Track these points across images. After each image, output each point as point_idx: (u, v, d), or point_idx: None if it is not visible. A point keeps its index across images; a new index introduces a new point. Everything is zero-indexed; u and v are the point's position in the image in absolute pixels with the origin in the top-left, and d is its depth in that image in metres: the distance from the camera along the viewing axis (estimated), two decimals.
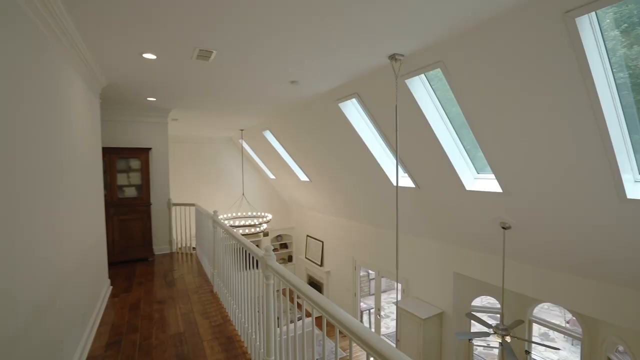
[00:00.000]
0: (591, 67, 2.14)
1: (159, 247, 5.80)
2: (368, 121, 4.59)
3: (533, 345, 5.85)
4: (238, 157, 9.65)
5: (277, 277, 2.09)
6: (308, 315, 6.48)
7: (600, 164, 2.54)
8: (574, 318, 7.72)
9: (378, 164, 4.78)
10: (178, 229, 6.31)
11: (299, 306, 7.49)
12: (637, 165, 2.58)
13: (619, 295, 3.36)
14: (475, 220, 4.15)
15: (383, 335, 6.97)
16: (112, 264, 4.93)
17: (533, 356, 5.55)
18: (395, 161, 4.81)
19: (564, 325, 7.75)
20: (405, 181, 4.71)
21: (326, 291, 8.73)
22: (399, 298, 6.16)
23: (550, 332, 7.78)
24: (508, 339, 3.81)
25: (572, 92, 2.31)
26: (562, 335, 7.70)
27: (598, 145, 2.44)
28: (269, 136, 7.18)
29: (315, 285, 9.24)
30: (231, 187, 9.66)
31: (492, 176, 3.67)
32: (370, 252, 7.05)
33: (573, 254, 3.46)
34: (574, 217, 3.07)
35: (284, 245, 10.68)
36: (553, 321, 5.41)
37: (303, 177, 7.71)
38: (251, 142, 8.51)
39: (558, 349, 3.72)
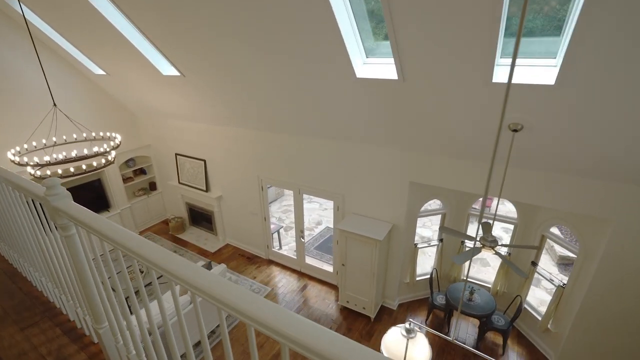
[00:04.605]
0: None
1: None
2: None
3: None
4: (23, 41, 5.38)
5: None
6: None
7: None
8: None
9: (341, 41, 2.92)
10: None
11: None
12: None
13: (563, 184, 3.42)
14: (478, 123, 3.17)
15: (307, 255, 6.18)
16: None
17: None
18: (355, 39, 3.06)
19: None
20: (383, 70, 3.14)
21: (220, 220, 7.01)
22: (334, 221, 5.21)
23: None
24: (498, 249, 3.45)
25: None
26: None
27: None
28: None
29: (204, 215, 7.31)
30: (25, 97, 5.59)
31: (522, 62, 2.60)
32: (285, 168, 5.55)
33: (554, 153, 3.09)
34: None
35: (141, 171, 7.78)
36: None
37: (169, 70, 4.89)
38: (49, 12, 4.57)
39: (536, 247, 3.62)
